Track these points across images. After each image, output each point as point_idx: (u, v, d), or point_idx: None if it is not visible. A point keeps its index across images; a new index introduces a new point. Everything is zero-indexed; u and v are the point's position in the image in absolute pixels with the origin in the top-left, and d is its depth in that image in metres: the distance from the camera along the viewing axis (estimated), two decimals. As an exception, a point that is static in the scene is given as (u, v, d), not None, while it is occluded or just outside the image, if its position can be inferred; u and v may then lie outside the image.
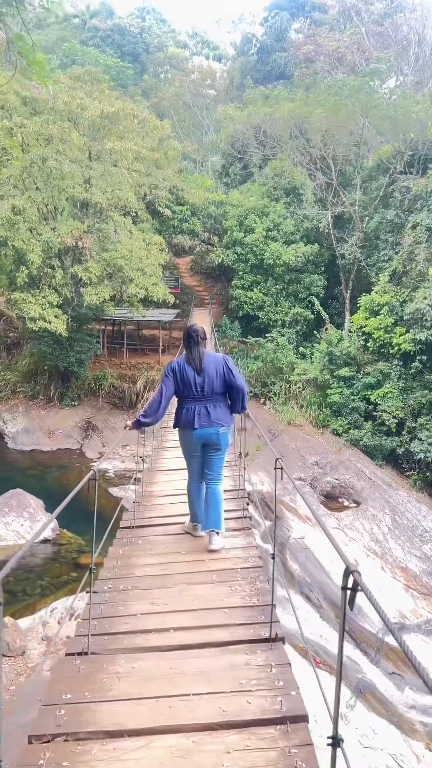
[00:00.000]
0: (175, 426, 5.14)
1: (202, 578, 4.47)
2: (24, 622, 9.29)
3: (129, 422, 5.22)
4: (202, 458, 5.05)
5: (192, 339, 4.95)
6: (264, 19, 44.60)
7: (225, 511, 5.35)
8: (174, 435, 11.03)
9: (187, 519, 5.62)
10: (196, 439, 4.91)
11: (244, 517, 5.79)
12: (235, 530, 5.46)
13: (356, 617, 13.40)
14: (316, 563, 14.47)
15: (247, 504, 5.92)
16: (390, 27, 31.67)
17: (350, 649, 12.48)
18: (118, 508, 5.89)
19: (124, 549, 5.16)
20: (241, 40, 45.96)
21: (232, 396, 5.01)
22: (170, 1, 78.85)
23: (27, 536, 12.66)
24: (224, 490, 5.81)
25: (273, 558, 3.77)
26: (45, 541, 12.71)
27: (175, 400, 5.14)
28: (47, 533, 12.86)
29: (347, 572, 2.04)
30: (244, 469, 6.26)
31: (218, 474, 5.11)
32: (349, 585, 2.04)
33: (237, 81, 41.61)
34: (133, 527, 5.68)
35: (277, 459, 3.64)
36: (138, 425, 5.11)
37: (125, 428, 5.31)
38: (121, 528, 5.71)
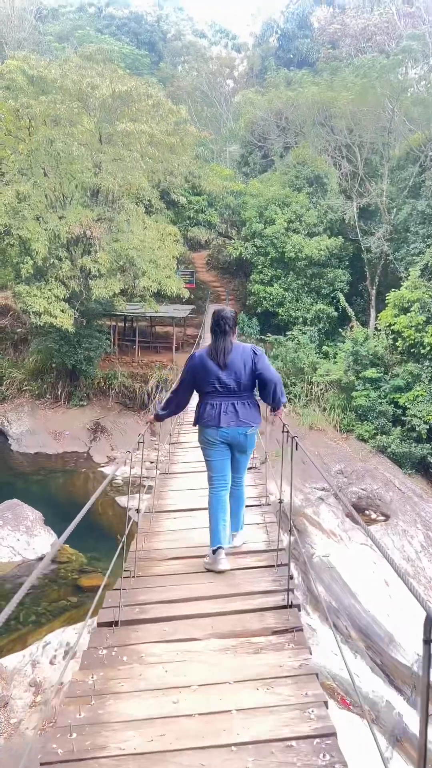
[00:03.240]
0: (195, 423, 4.52)
1: (228, 762, 2.44)
2: (11, 661, 8.05)
3: (150, 416, 5.04)
4: (225, 460, 4.48)
5: (219, 327, 4.33)
6: (285, 6, 43.07)
7: (259, 593, 3.91)
8: (185, 455, 9.00)
9: (207, 552, 4.51)
10: (221, 438, 4.36)
11: (290, 607, 3.66)
12: (276, 633, 3.41)
13: (387, 647, 12.07)
14: (342, 585, 13.12)
15: (291, 577, 3.84)
16: (422, 7, 29.88)
17: (382, 687, 11.16)
18: (124, 536, 4.21)
19: (97, 677, 3.06)
20: (261, 26, 44.39)
21: (263, 390, 4.43)
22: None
23: (23, 552, 11.47)
24: (254, 550, 4.60)
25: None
26: (43, 558, 11.50)
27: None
28: (46, 549, 11.67)
29: (428, 621, 1.63)
30: (291, 533, 4.17)
31: (242, 476, 4.68)
32: None
33: (257, 68, 40.11)
34: (117, 624, 3.60)
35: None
36: (158, 418, 4.95)
37: (147, 423, 5.61)
38: (99, 625, 3.65)
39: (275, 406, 4.60)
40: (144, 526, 5.26)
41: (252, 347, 4.44)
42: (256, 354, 4.35)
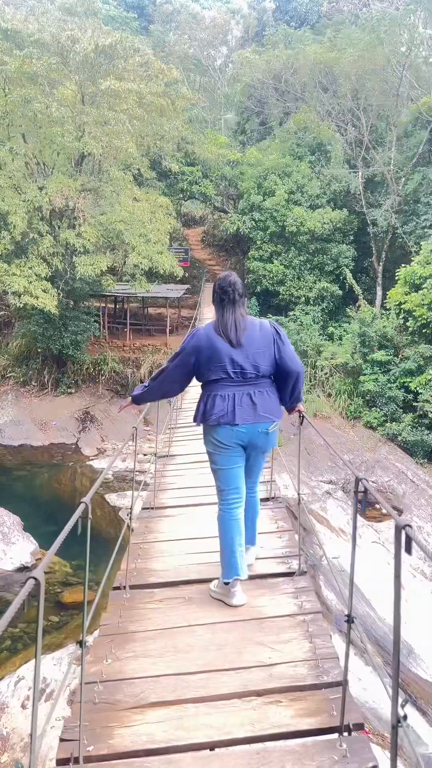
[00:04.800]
0: (200, 421, 3.48)
1: None
2: (-22, 704, 6.84)
3: (123, 402, 3.97)
4: (239, 468, 3.53)
5: (227, 295, 3.41)
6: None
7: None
8: (179, 480, 6.92)
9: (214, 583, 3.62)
10: (236, 439, 3.39)
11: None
12: None
13: (406, 661, 10.93)
14: (354, 590, 11.90)
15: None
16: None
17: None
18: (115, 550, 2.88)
19: None
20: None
21: (283, 383, 3.50)
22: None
23: (-1, 563, 10.22)
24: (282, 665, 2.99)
25: None
26: (22, 568, 10.26)
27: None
28: (25, 558, 10.45)
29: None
30: (349, 624, 2.45)
31: (256, 480, 3.84)
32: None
33: (253, 30, 38.14)
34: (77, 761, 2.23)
35: None
36: (137, 401, 3.73)
37: (120, 410, 4.35)
38: (58, 763, 2.25)
39: (292, 405, 3.65)
40: (124, 604, 3.54)
41: (272, 323, 3.52)
42: (279, 334, 3.43)
